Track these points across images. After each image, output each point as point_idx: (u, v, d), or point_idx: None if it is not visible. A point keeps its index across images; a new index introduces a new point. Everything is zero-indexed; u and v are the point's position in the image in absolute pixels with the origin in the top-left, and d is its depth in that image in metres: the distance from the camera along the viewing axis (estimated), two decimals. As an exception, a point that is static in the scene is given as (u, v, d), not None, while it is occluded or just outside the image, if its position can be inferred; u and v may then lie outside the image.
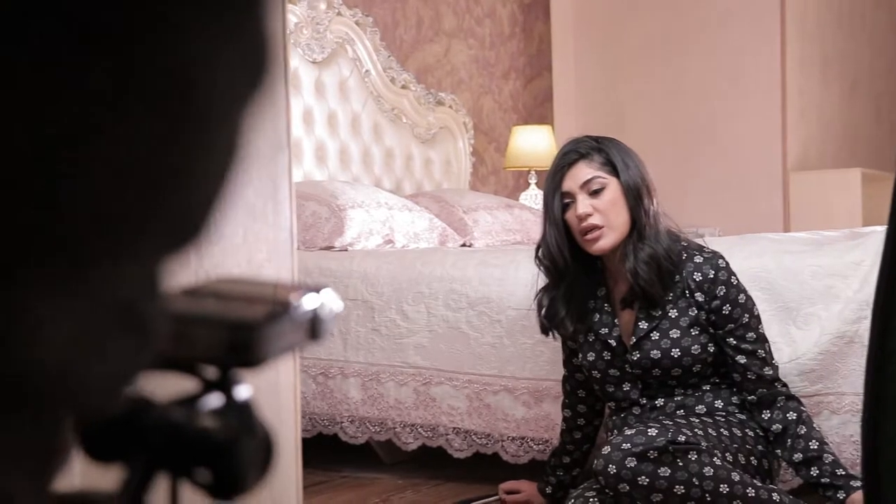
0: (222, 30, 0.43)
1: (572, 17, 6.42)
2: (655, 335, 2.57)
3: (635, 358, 2.59)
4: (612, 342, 2.62)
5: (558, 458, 2.84)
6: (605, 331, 2.63)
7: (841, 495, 2.43)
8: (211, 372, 0.66)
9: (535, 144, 5.50)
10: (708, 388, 2.60)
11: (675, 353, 2.55)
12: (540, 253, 2.68)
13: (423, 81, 5.50)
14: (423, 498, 3.02)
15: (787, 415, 2.52)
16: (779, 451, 2.52)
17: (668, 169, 5.45)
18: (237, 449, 0.63)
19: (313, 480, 3.20)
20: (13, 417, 0.42)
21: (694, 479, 2.35)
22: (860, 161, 6.31)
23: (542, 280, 2.73)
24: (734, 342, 2.55)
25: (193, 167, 0.43)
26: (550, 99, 6.40)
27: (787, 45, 5.91)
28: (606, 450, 2.39)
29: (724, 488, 2.36)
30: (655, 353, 2.57)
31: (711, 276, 2.55)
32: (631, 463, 2.35)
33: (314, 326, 0.68)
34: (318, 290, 0.69)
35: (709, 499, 2.36)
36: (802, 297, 2.76)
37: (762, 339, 2.57)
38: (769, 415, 2.53)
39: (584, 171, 2.60)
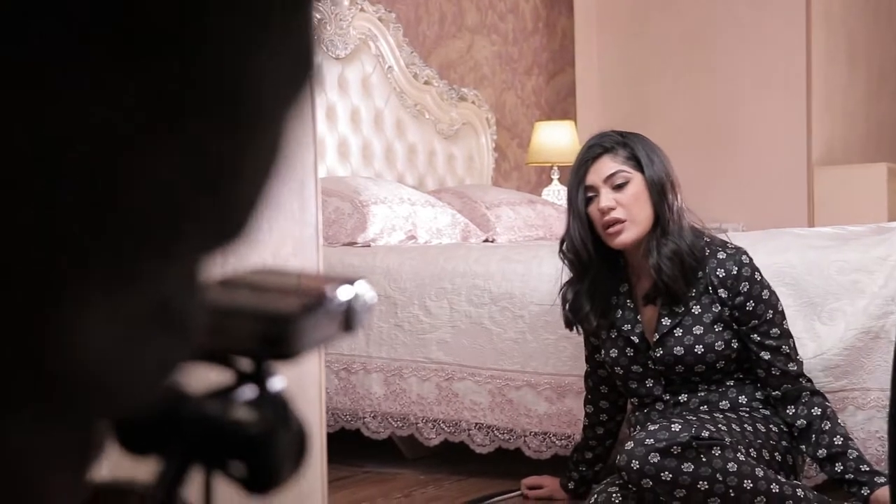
0: (271, 33, 0.43)
1: (595, 12, 6.40)
2: (679, 332, 2.56)
3: (658, 354, 2.58)
4: (635, 339, 2.61)
5: (581, 453, 2.84)
6: (627, 327, 2.63)
7: (865, 491, 2.42)
8: (246, 364, 0.66)
9: (557, 140, 5.49)
10: (731, 383, 2.60)
11: (699, 349, 2.55)
12: (564, 247, 2.67)
13: (445, 77, 5.50)
14: (445, 493, 3.02)
15: (812, 410, 2.51)
16: (803, 446, 2.51)
17: (691, 164, 5.42)
18: (272, 442, 0.63)
19: (336, 475, 3.20)
20: (51, 415, 0.42)
21: (717, 475, 2.34)
22: (886, 156, 6.27)
23: (566, 275, 2.73)
24: (758, 338, 2.54)
25: (239, 168, 0.43)
26: (573, 94, 6.39)
27: (812, 37, 5.87)
28: (629, 445, 2.39)
29: (747, 484, 2.35)
30: (679, 350, 2.56)
31: (735, 272, 2.54)
32: (654, 458, 2.34)
33: (348, 318, 0.68)
34: (352, 282, 0.69)
35: (732, 495, 2.35)
36: (827, 293, 2.74)
37: (786, 335, 2.56)
38: (794, 410, 2.52)
39: (608, 165, 2.60)
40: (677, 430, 2.36)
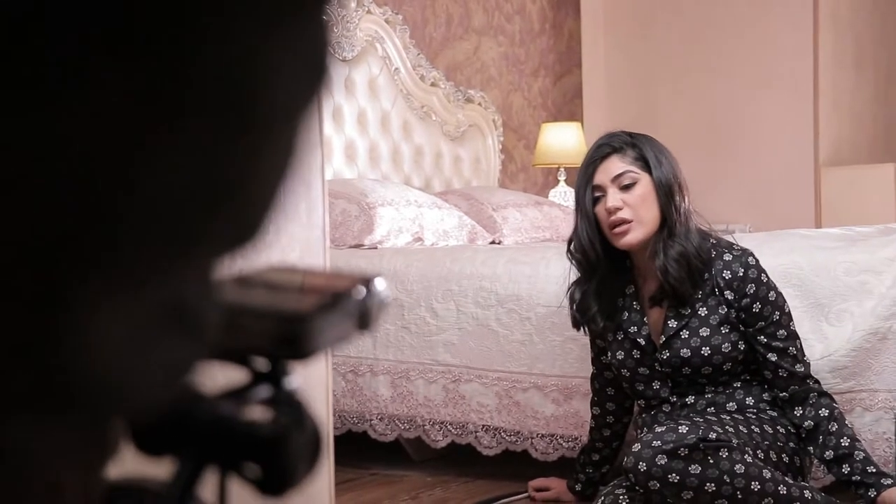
0: (286, 35, 0.43)
1: (602, 14, 6.40)
2: (685, 333, 2.56)
3: (665, 357, 2.58)
4: (642, 341, 2.61)
5: (588, 455, 2.84)
6: (634, 329, 2.62)
7: (872, 493, 2.41)
8: (261, 363, 0.65)
9: (564, 141, 5.49)
10: (739, 385, 2.59)
11: (706, 351, 2.54)
12: (572, 246, 2.67)
13: (452, 79, 5.50)
14: (452, 495, 3.02)
15: (819, 412, 2.50)
16: (811, 448, 2.51)
17: (699, 165, 5.42)
18: (286, 444, 0.63)
19: (343, 478, 3.20)
20: (64, 415, 0.42)
21: (725, 477, 2.34)
22: (894, 156, 6.26)
23: (573, 277, 2.73)
24: (765, 340, 2.53)
25: (252, 171, 0.43)
26: (580, 96, 6.38)
27: (819, 39, 5.86)
28: (637, 447, 2.39)
29: (755, 486, 2.35)
30: (685, 352, 2.55)
31: (741, 273, 2.54)
32: (661, 460, 2.34)
33: (364, 317, 0.67)
34: (367, 280, 0.68)
35: (740, 496, 2.34)
36: (835, 294, 2.74)
37: (793, 336, 2.56)
38: (801, 412, 2.52)
39: (616, 165, 2.60)
40: (684, 431, 2.36)
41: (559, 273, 2.90)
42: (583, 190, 2.63)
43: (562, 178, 5.55)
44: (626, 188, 2.58)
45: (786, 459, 2.51)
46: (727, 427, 2.44)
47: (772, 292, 2.56)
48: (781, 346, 2.53)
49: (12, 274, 0.38)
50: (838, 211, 5.59)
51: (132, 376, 0.43)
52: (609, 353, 2.69)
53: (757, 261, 2.57)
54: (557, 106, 6.29)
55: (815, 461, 2.58)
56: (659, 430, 2.39)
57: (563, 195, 5.35)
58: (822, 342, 2.70)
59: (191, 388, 0.64)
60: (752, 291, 2.54)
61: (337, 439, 3.38)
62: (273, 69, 0.42)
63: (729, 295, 2.54)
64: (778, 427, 2.53)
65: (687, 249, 2.54)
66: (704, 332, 2.55)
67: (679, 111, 6.14)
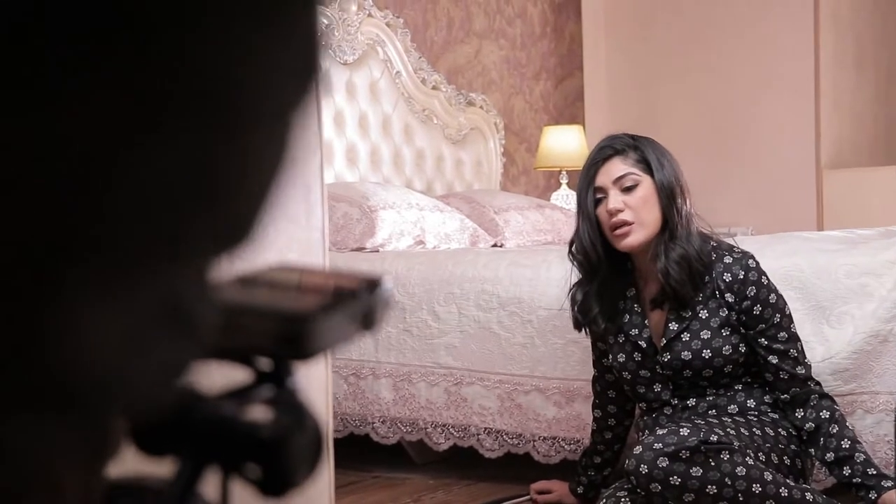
0: (275, 33, 0.43)
1: (603, 17, 6.40)
2: (686, 336, 2.56)
3: (666, 359, 2.58)
4: (643, 343, 2.61)
5: (589, 458, 2.84)
6: (635, 332, 2.63)
7: (872, 495, 2.41)
8: (264, 363, 0.65)
9: (565, 144, 5.50)
10: (740, 387, 2.59)
11: (706, 353, 2.54)
12: (573, 248, 2.68)
13: (453, 82, 5.51)
14: (454, 498, 3.03)
15: (820, 413, 2.50)
16: (812, 450, 2.51)
17: (700, 167, 5.42)
18: (287, 445, 0.63)
19: (345, 481, 3.21)
20: (64, 415, 0.43)
21: (726, 479, 2.34)
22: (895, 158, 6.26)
23: (574, 279, 2.73)
24: (766, 342, 2.54)
25: (243, 170, 0.44)
26: (581, 99, 6.39)
27: (820, 40, 5.86)
28: (638, 450, 2.39)
29: (756, 488, 2.35)
30: (686, 355, 2.56)
31: (741, 276, 2.54)
32: (663, 463, 2.34)
33: (368, 317, 0.67)
34: (372, 280, 0.68)
35: (741, 499, 2.34)
36: (836, 296, 2.74)
37: (794, 339, 2.56)
38: (802, 413, 2.52)
39: (617, 167, 2.60)
40: (686, 434, 2.36)
41: (561, 276, 2.90)
42: (584, 191, 2.63)
43: (563, 181, 5.56)
44: (628, 190, 2.59)
45: (787, 462, 2.51)
46: (728, 429, 2.44)
47: (772, 295, 2.56)
48: (782, 348, 2.53)
49: (8, 273, 0.38)
50: (840, 214, 5.58)
51: (129, 375, 0.44)
52: (610, 356, 2.69)
53: (757, 263, 2.58)
54: (559, 109, 6.29)
55: (817, 463, 2.58)
56: (660, 432, 2.40)
57: (565, 198, 5.35)
58: (824, 345, 2.70)
59: (191, 387, 0.64)
60: (752, 294, 2.54)
61: (339, 442, 3.39)
62: (261, 68, 0.42)
63: (729, 297, 2.55)
64: (779, 429, 2.53)
65: (688, 252, 2.54)
66: (705, 334, 2.55)
67: (680, 113, 6.14)
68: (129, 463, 0.60)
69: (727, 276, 2.55)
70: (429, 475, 3.29)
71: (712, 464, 2.34)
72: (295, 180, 1.34)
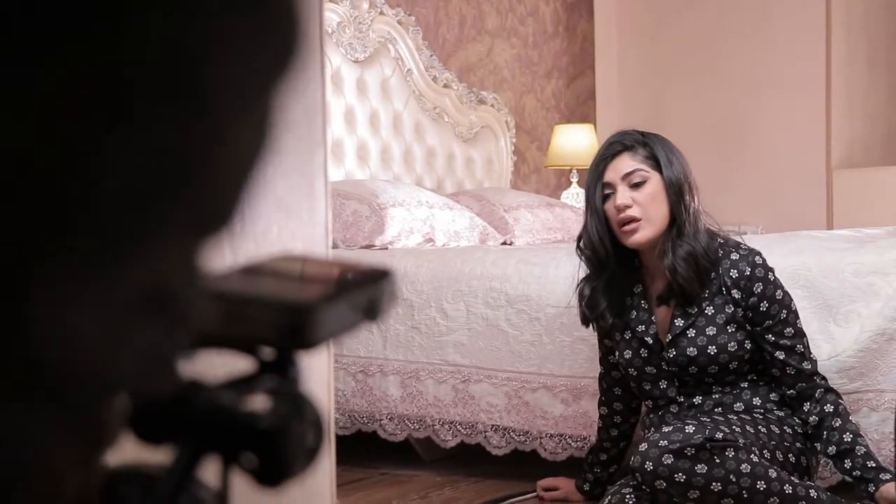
0: (249, 16, 0.43)
1: (615, 16, 6.40)
2: (692, 332, 2.57)
3: (672, 355, 2.58)
4: (649, 339, 2.62)
5: (595, 455, 2.84)
6: (641, 328, 2.63)
7: (871, 488, 2.42)
8: (267, 352, 0.65)
9: (576, 143, 5.50)
10: (746, 385, 2.60)
11: (712, 350, 2.55)
12: (581, 243, 2.68)
13: (465, 80, 5.51)
14: (461, 495, 3.03)
15: (825, 407, 2.51)
16: (816, 444, 2.52)
17: (711, 166, 5.41)
18: (284, 435, 0.62)
19: (352, 477, 3.22)
20: (54, 404, 0.43)
21: (731, 477, 2.34)
22: (907, 159, 6.24)
23: (581, 274, 2.74)
24: (773, 338, 2.54)
25: (219, 154, 0.44)
26: (593, 98, 6.39)
27: (832, 40, 5.85)
28: (644, 447, 2.39)
29: (761, 485, 2.35)
30: (692, 351, 2.56)
31: (748, 273, 2.55)
32: (668, 460, 2.34)
33: (372, 308, 0.67)
34: (377, 271, 0.69)
35: (745, 496, 2.35)
36: (843, 295, 2.74)
37: (800, 334, 2.56)
38: (807, 408, 2.53)
39: (626, 163, 2.61)
40: (691, 431, 2.37)
41: (569, 274, 2.91)
42: (593, 187, 2.64)
43: (574, 179, 5.56)
44: (636, 186, 2.59)
45: (792, 459, 2.51)
46: (734, 427, 2.44)
47: (779, 291, 2.56)
48: (789, 343, 2.54)
49: None
50: (850, 213, 5.57)
51: (116, 362, 0.44)
52: (616, 353, 2.70)
53: (764, 260, 2.58)
54: (570, 108, 6.29)
55: (822, 461, 2.58)
56: (666, 429, 2.40)
57: (576, 197, 5.35)
58: (830, 343, 2.70)
59: (190, 376, 0.64)
60: (759, 290, 2.54)
61: (347, 439, 3.40)
62: (235, 51, 0.42)
63: (736, 294, 2.55)
64: (785, 427, 2.53)
65: (695, 249, 2.55)
66: (711, 330, 2.55)
67: (692, 113, 6.13)
68: (130, 451, 0.60)
69: (734, 273, 2.55)
70: (436, 472, 3.29)
71: (717, 461, 2.35)
72: (297, 175, 1.35)
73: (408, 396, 3.32)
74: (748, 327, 2.56)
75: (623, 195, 2.58)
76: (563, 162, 5.55)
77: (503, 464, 3.23)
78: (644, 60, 6.34)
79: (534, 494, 2.95)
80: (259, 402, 0.64)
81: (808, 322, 2.65)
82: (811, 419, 2.52)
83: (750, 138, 6.02)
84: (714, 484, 2.34)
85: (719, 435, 2.37)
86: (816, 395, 2.53)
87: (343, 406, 3.41)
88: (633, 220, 2.57)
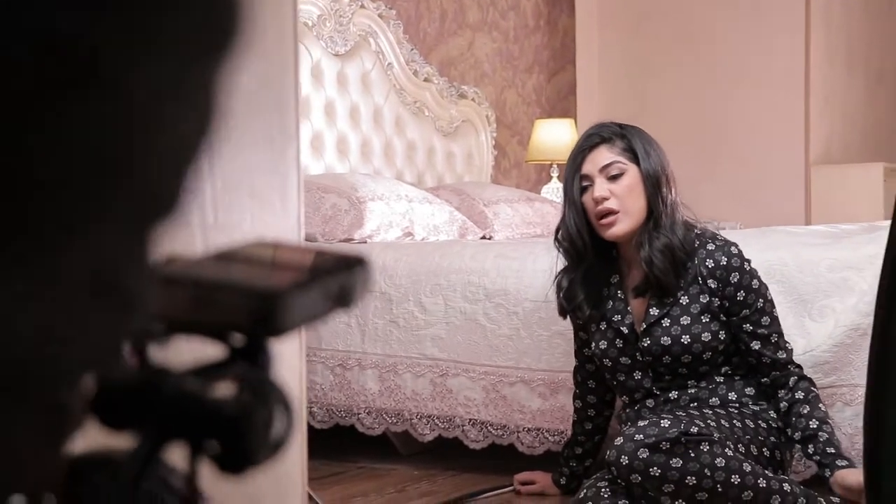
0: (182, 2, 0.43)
1: (597, 11, 6.41)
2: (666, 322, 2.58)
3: (646, 345, 2.59)
4: (625, 329, 2.63)
5: (571, 448, 2.85)
6: (617, 318, 2.64)
7: (827, 473, 2.44)
8: (237, 339, 0.65)
9: (557, 138, 5.50)
10: (721, 380, 2.61)
11: (686, 339, 2.56)
12: (559, 235, 2.69)
13: (445, 74, 5.51)
14: (438, 488, 3.04)
15: (796, 394, 2.53)
16: (787, 429, 2.54)
17: (691, 162, 5.43)
18: (247, 423, 0.62)
19: (330, 471, 3.22)
20: (4, 393, 0.43)
21: (706, 471, 2.36)
22: (883, 156, 6.27)
23: (559, 267, 2.74)
24: (750, 328, 2.55)
25: (154, 139, 0.44)
26: (574, 93, 6.39)
27: (811, 37, 5.88)
28: (619, 441, 2.40)
29: (735, 479, 2.36)
30: (666, 340, 2.57)
31: (724, 262, 2.56)
32: (643, 454, 2.35)
33: (344, 294, 0.66)
34: (350, 258, 0.68)
35: (720, 490, 2.36)
36: (818, 290, 2.76)
37: (776, 323, 2.58)
38: (780, 394, 2.56)
39: (604, 156, 2.62)
40: (666, 426, 2.38)
41: (547, 268, 2.91)
42: (571, 179, 2.64)
43: (554, 174, 5.56)
44: (614, 178, 2.60)
45: (766, 453, 2.53)
46: (709, 421, 2.45)
47: (755, 280, 2.58)
48: (766, 332, 2.56)
49: None
50: (828, 209, 5.60)
51: (64, 349, 0.44)
52: (592, 344, 2.71)
53: (740, 250, 2.59)
54: (551, 103, 6.29)
55: (796, 454, 2.60)
56: (641, 424, 2.41)
57: (556, 191, 5.35)
58: (805, 338, 2.72)
59: (157, 362, 0.64)
60: (735, 280, 2.56)
61: (324, 433, 3.39)
62: (155, 38, 0.42)
63: (712, 283, 2.56)
64: (759, 421, 2.55)
65: (672, 242, 2.56)
66: (685, 320, 2.56)
67: (672, 109, 6.15)
68: (97, 437, 0.60)
69: (709, 263, 2.57)
70: (413, 466, 3.29)
71: (692, 455, 2.36)
72: (270, 168, 1.35)
73: (386, 390, 3.32)
74: (724, 318, 2.57)
75: (601, 187, 2.59)
76: (544, 156, 5.56)
77: (481, 457, 3.23)
78: (625, 56, 6.36)
79: (511, 488, 2.95)
80: (224, 390, 0.64)
81: (783, 317, 2.66)
82: (782, 405, 2.55)
83: (729, 134, 6.04)
84: (689, 478, 2.35)
85: (694, 429, 2.38)
86: (790, 383, 2.55)
87: (321, 400, 3.40)
88: (610, 212, 2.58)
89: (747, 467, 2.39)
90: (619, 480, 2.42)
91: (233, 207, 1.21)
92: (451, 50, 5.66)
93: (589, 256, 2.64)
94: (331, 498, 2.87)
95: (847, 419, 2.65)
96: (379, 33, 5.03)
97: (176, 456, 0.63)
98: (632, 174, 2.61)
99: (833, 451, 2.45)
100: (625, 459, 2.37)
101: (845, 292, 2.72)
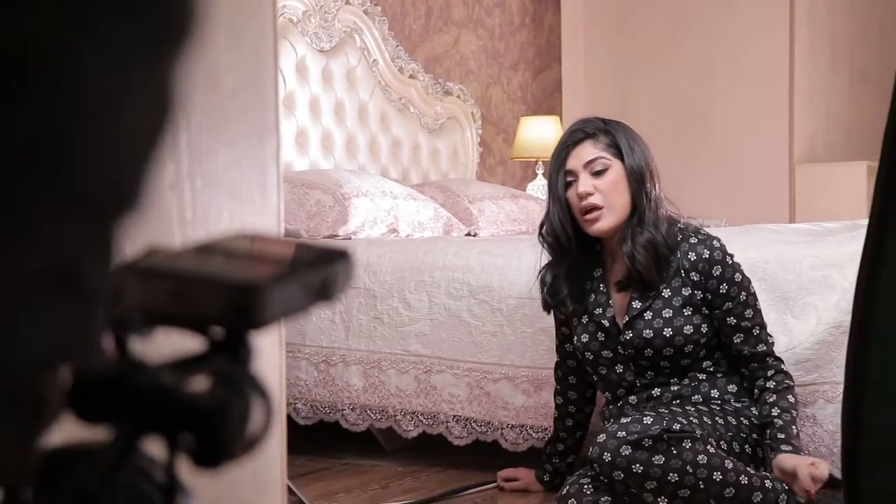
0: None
1: (582, 9, 6.42)
2: (648, 315, 2.58)
3: (628, 337, 2.60)
4: (606, 322, 2.63)
5: (553, 445, 2.86)
6: (599, 311, 2.65)
7: (772, 456, 2.48)
8: (217, 332, 0.64)
9: (542, 135, 5.51)
10: (704, 377, 2.62)
11: (668, 332, 2.57)
12: (543, 230, 2.70)
13: (431, 71, 5.51)
14: (422, 485, 3.04)
15: (767, 384, 2.57)
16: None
17: (676, 160, 5.45)
18: (222, 416, 0.61)
19: (314, 467, 3.22)
20: None
21: (688, 467, 2.36)
22: (867, 154, 6.30)
23: (543, 262, 2.75)
24: (734, 321, 2.57)
25: (104, 129, 0.43)
26: (559, 90, 6.40)
27: (795, 36, 5.90)
28: (601, 438, 2.41)
29: (717, 476, 2.37)
30: (648, 333, 2.58)
31: (706, 255, 2.57)
32: (626, 451, 2.36)
33: (326, 287, 0.66)
34: (332, 251, 0.68)
35: (702, 486, 2.37)
36: (800, 288, 2.77)
37: (759, 316, 2.60)
38: (756, 384, 2.58)
39: (588, 151, 2.62)
40: (649, 422, 2.38)
41: (531, 264, 2.92)
42: (555, 174, 2.65)
43: (539, 171, 5.57)
44: (598, 174, 2.61)
45: (748, 450, 2.54)
46: (691, 418, 2.46)
47: (737, 274, 2.59)
48: (749, 325, 2.57)
49: None
50: (812, 207, 5.63)
51: (22, 341, 0.44)
52: (574, 338, 2.71)
53: (722, 244, 2.61)
54: (537, 100, 6.30)
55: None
56: (624, 420, 2.42)
57: (541, 188, 5.36)
58: (787, 335, 2.73)
59: (134, 355, 0.64)
60: (718, 273, 2.57)
61: (308, 429, 3.39)
62: (102, 33, 0.42)
63: (695, 276, 2.57)
64: (741, 418, 2.56)
65: (655, 237, 2.57)
66: (667, 313, 2.57)
67: (657, 106, 6.16)
68: (74, 430, 0.60)
69: (692, 256, 2.58)
70: (397, 462, 3.30)
71: (674, 452, 2.37)
72: (248, 164, 1.35)
73: (370, 386, 3.32)
74: (706, 311, 2.58)
75: (585, 183, 2.60)
76: (529, 154, 5.56)
77: (465, 454, 3.23)
78: (610, 53, 6.37)
79: (494, 485, 2.96)
80: (201, 383, 0.64)
81: (765, 314, 2.67)
82: (754, 393, 2.56)
83: (714, 132, 6.06)
84: (671, 475, 2.36)
85: (677, 426, 2.39)
86: (766, 375, 2.58)
87: (305, 396, 3.40)
88: (594, 207, 2.58)
89: (729, 464, 2.40)
90: (601, 477, 2.42)
91: (212, 204, 1.21)
92: (436, 47, 5.66)
93: (573, 252, 2.65)
94: (314, 494, 2.87)
95: (829, 416, 2.66)
96: (364, 30, 5.03)
97: (156, 447, 0.63)
98: (616, 170, 2.61)
99: (782, 436, 2.47)
100: (607, 456, 2.37)
101: (827, 290, 2.73)
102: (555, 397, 2.87)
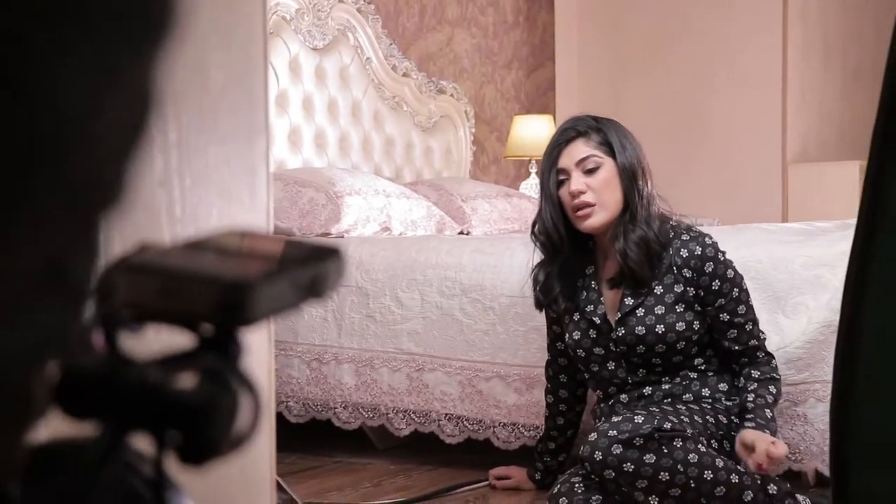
0: None
1: (576, 7, 6.42)
2: (641, 311, 2.59)
3: (620, 334, 2.60)
4: (597, 319, 2.64)
5: (545, 444, 2.86)
6: (590, 308, 2.65)
7: (733, 433, 2.50)
8: (207, 329, 0.64)
9: (536, 134, 5.51)
10: (695, 375, 2.62)
11: (660, 329, 2.57)
12: (536, 229, 2.70)
13: (424, 70, 5.51)
14: (414, 483, 3.04)
15: (752, 373, 2.58)
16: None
17: (669, 159, 5.45)
18: (208, 413, 0.61)
19: (306, 465, 3.22)
20: None
21: (679, 466, 2.37)
22: (860, 154, 6.31)
23: (535, 261, 2.75)
24: (727, 317, 2.57)
25: (85, 126, 0.43)
26: (553, 89, 6.40)
27: (788, 35, 5.91)
28: (593, 436, 2.41)
29: (708, 474, 2.38)
30: (640, 330, 2.58)
31: (699, 252, 2.58)
32: (617, 450, 2.36)
33: (316, 285, 0.65)
34: (323, 248, 0.68)
35: (693, 485, 2.37)
36: (791, 287, 2.78)
37: (752, 312, 2.61)
38: (742, 375, 2.58)
39: (580, 149, 2.63)
40: (640, 421, 2.39)
41: (523, 263, 2.92)
42: (547, 173, 2.66)
43: (533, 170, 5.57)
44: (590, 172, 2.61)
45: (739, 449, 2.54)
46: (682, 417, 2.47)
47: (730, 270, 2.59)
48: (742, 321, 2.58)
49: None
50: (805, 207, 5.63)
51: (3, 338, 0.44)
52: (566, 336, 2.72)
53: (714, 241, 2.61)
54: (530, 99, 6.30)
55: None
56: (615, 419, 2.42)
57: (534, 187, 5.35)
58: (779, 334, 2.73)
59: (121, 352, 0.64)
60: (710, 269, 2.57)
61: (301, 427, 3.39)
62: (81, 30, 0.42)
63: (687, 273, 2.57)
64: (732, 417, 2.56)
65: (647, 234, 2.57)
66: (659, 309, 2.58)
67: (651, 105, 6.17)
68: (61, 426, 0.60)
69: (684, 252, 2.58)
70: (390, 460, 3.30)
71: (665, 451, 2.37)
72: (238, 163, 1.35)
73: (362, 385, 3.33)
74: (698, 307, 2.58)
75: (577, 181, 2.60)
76: (523, 152, 5.56)
77: (456, 452, 3.24)
78: (604, 52, 6.37)
79: (486, 483, 2.96)
80: (188, 378, 0.64)
81: (757, 313, 2.67)
82: (739, 383, 2.58)
83: (707, 132, 6.07)
84: (662, 473, 2.36)
85: (667, 425, 2.39)
86: (754, 367, 2.59)
87: (297, 394, 3.40)
88: (587, 205, 2.59)
89: (720, 463, 2.41)
90: (592, 476, 2.42)
91: (201, 202, 1.21)
92: (429, 45, 5.66)
93: (565, 250, 2.66)
94: (306, 492, 2.87)
95: (819, 415, 2.66)
96: (357, 28, 5.03)
97: (144, 443, 0.63)
98: (608, 167, 2.62)
99: (750, 416, 2.49)
100: (598, 455, 2.38)
101: (818, 289, 2.74)
102: (546, 395, 2.87)
